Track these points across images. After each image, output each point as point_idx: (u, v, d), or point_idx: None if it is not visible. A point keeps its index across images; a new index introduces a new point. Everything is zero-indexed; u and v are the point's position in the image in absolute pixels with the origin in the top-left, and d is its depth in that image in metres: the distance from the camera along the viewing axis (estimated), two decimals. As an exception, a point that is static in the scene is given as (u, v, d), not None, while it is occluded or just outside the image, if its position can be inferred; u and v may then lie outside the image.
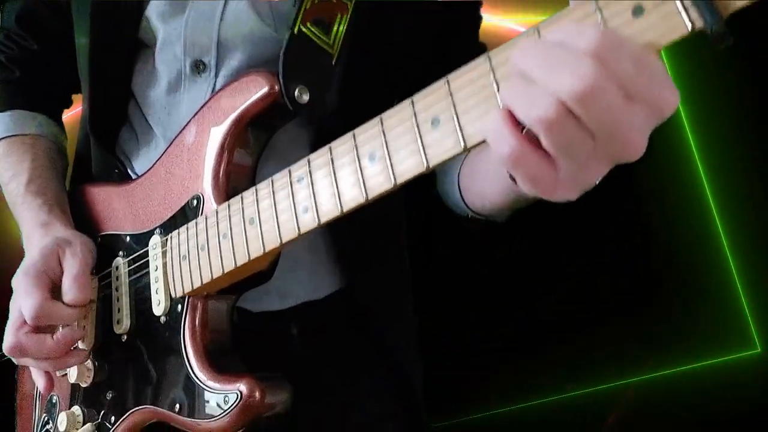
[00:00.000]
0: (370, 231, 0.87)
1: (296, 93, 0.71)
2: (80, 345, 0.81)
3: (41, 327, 0.76)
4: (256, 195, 0.65)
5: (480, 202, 0.75)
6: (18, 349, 0.75)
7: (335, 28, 0.77)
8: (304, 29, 0.74)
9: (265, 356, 0.86)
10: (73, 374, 0.82)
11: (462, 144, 0.49)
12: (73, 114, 1.07)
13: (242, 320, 0.84)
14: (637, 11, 0.41)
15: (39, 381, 0.80)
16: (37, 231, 0.83)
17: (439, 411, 2.27)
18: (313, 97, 0.72)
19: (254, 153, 0.74)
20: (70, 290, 0.76)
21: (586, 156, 0.43)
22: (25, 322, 0.75)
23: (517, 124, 0.44)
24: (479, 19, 0.95)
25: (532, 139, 0.44)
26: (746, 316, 2.65)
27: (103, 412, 0.79)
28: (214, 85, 0.82)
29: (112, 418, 0.78)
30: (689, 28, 0.39)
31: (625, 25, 0.42)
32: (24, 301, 0.74)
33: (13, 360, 0.79)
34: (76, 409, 0.83)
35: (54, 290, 0.77)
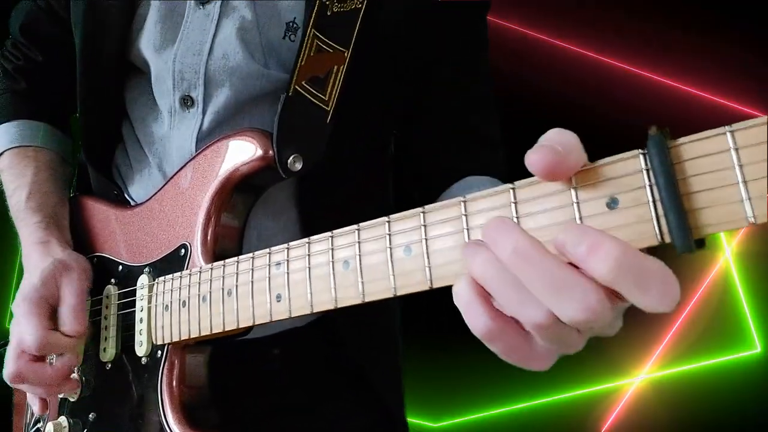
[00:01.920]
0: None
1: (290, 161, 0.70)
2: (74, 375, 0.84)
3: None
4: (237, 267, 0.66)
5: None
6: (18, 377, 0.78)
7: (331, 82, 0.75)
8: (299, 89, 0.73)
9: (245, 376, 0.89)
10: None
11: (429, 283, 0.49)
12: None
13: (224, 347, 0.86)
14: (612, 203, 0.40)
15: (35, 404, 0.84)
16: (35, 249, 0.85)
17: (438, 411, 2.32)
18: (305, 164, 0.71)
19: (242, 213, 0.74)
20: (68, 321, 0.78)
21: (571, 344, 0.42)
22: (24, 351, 0.78)
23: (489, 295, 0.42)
24: (486, 43, 0.92)
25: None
26: (746, 317, 2.63)
27: (86, 430, 0.84)
28: (202, 121, 0.81)
29: (93, 439, 0.82)
30: (657, 240, 0.38)
31: (599, 216, 0.40)
32: (26, 330, 0.77)
33: (10, 384, 0.83)
34: (63, 420, 0.87)
35: (52, 317, 0.79)
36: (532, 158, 0.39)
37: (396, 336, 1.01)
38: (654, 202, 0.38)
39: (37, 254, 0.84)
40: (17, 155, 0.93)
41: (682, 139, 0.38)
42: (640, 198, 0.38)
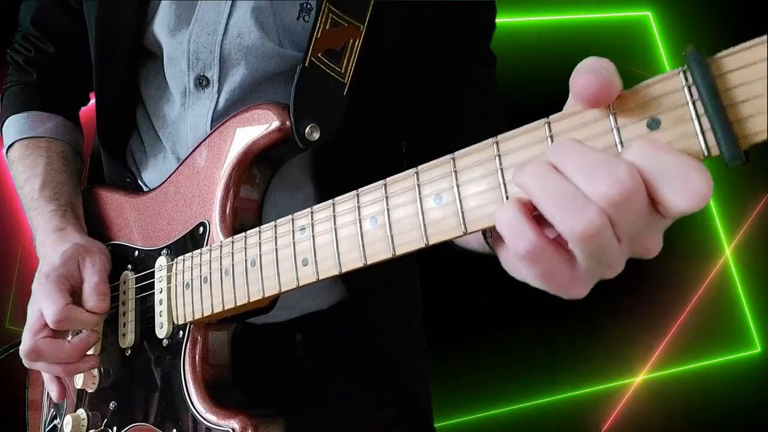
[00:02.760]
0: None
1: (307, 130, 0.70)
2: (89, 351, 0.83)
3: (59, 332, 0.78)
4: (259, 237, 0.65)
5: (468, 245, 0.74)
6: (35, 352, 0.76)
7: (347, 56, 0.75)
8: (315, 60, 0.73)
9: (269, 364, 0.88)
10: (79, 380, 0.84)
11: (463, 228, 0.48)
12: (87, 108, 1.07)
13: (246, 331, 0.85)
14: (653, 124, 0.39)
15: (52, 389, 0.82)
16: (52, 236, 0.84)
17: (439, 411, 2.30)
18: (323, 135, 0.71)
19: (261, 186, 0.73)
20: (91, 298, 0.77)
21: (612, 259, 0.41)
22: (43, 326, 0.77)
23: (533, 215, 0.41)
24: (492, 28, 0.92)
25: (549, 233, 0.41)
26: (746, 316, 2.63)
27: (106, 420, 0.82)
28: (217, 101, 0.81)
29: (114, 428, 0.80)
30: (704, 154, 0.37)
31: (641, 138, 0.40)
32: (46, 305, 0.76)
33: (25, 363, 0.82)
34: (81, 413, 0.85)
35: (73, 295, 0.78)
36: (581, 82, 0.38)
37: (419, 323, 1.00)
38: (698, 117, 0.37)
39: (55, 240, 0.83)
40: (28, 146, 0.93)
41: (721, 53, 0.37)
42: (683, 115, 0.38)
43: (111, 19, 0.85)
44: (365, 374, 0.92)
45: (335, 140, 0.74)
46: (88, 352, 0.82)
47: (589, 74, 0.38)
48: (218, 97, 0.81)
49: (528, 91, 2.13)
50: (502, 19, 2.39)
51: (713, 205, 2.56)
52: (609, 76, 0.38)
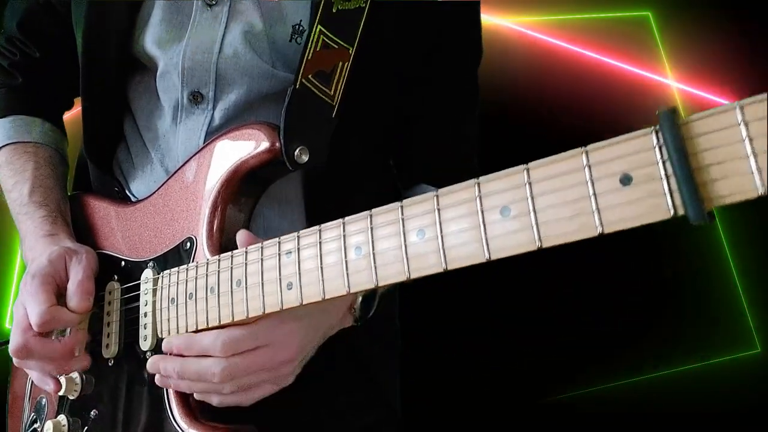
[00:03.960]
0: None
1: (296, 153, 0.71)
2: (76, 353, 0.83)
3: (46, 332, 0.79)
4: (246, 258, 0.66)
5: None
6: (25, 350, 0.76)
7: (336, 77, 0.77)
8: (305, 82, 0.74)
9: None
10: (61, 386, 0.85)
11: (444, 265, 0.50)
12: (73, 114, 1.07)
13: None
14: (625, 180, 0.41)
15: (47, 383, 0.82)
16: (42, 241, 0.85)
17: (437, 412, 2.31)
18: (312, 157, 0.72)
19: (248, 205, 0.75)
20: (74, 296, 0.77)
21: None
22: (30, 325, 0.77)
23: None
24: (479, 53, 0.95)
25: None
26: (746, 316, 2.66)
27: (86, 427, 0.83)
28: (211, 117, 0.82)
29: (95, 437, 0.81)
30: (671, 213, 0.39)
31: (612, 192, 0.42)
32: (31, 305, 0.76)
33: (15, 362, 0.82)
34: (62, 419, 0.86)
35: (59, 295, 0.79)
36: None
37: (396, 330, 1.01)
38: (667, 176, 0.39)
39: (45, 244, 0.83)
40: (15, 151, 0.93)
41: (692, 116, 0.39)
42: (653, 174, 0.40)
43: (99, 30, 0.85)
44: (339, 379, 0.93)
45: (326, 162, 0.76)
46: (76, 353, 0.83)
47: None
48: (213, 114, 0.82)
49: (528, 92, 2.15)
50: (501, 20, 2.42)
51: (712, 222, 2.57)
52: None
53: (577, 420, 2.42)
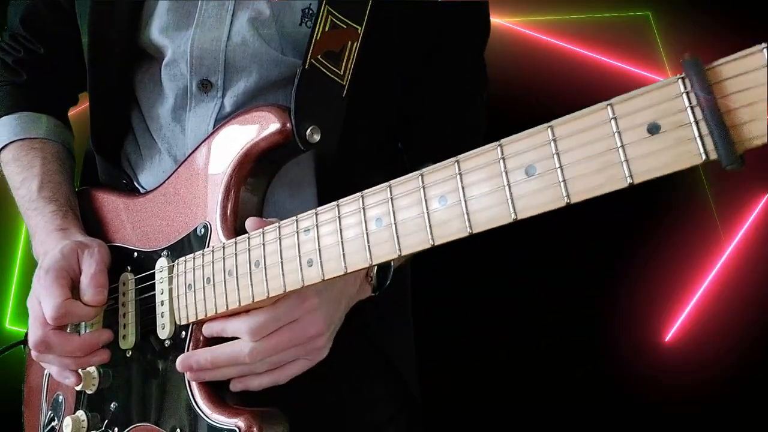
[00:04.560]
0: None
1: (308, 132, 0.71)
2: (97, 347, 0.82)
3: (62, 326, 0.78)
4: (263, 238, 0.66)
5: None
6: (45, 344, 0.76)
7: (345, 57, 0.76)
8: (315, 62, 0.74)
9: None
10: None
11: (469, 229, 0.49)
12: (80, 110, 1.06)
13: None
14: (653, 129, 0.41)
15: (68, 377, 0.81)
16: (54, 235, 0.84)
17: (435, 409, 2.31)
18: (324, 137, 0.72)
19: (261, 188, 0.74)
20: (88, 289, 0.77)
21: None
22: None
23: None
24: (487, 33, 0.94)
25: None
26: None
27: (106, 421, 0.82)
28: (221, 104, 0.82)
29: (116, 429, 0.80)
30: (702, 158, 0.39)
31: (640, 142, 0.41)
32: (45, 300, 0.76)
33: (34, 355, 0.81)
34: (81, 414, 0.85)
35: (73, 289, 0.78)
36: None
37: (409, 319, 1.01)
38: (696, 122, 0.39)
39: (57, 239, 0.83)
40: (22, 148, 0.92)
41: (718, 61, 0.39)
42: (682, 120, 0.40)
43: (104, 22, 0.85)
44: (359, 371, 0.93)
45: (337, 143, 0.75)
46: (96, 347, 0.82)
47: None
48: (223, 101, 0.81)
49: (527, 92, 2.15)
50: (500, 20, 2.41)
51: (713, 205, 2.59)
52: None
53: (576, 420, 2.43)
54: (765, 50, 0.37)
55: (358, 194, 0.58)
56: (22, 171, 0.90)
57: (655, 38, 2.63)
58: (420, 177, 0.53)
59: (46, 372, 0.92)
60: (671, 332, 2.54)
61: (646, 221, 2.29)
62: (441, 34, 0.88)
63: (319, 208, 0.61)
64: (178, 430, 0.72)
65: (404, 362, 0.96)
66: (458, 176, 0.50)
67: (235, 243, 0.69)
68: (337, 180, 0.82)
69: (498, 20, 2.37)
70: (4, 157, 0.94)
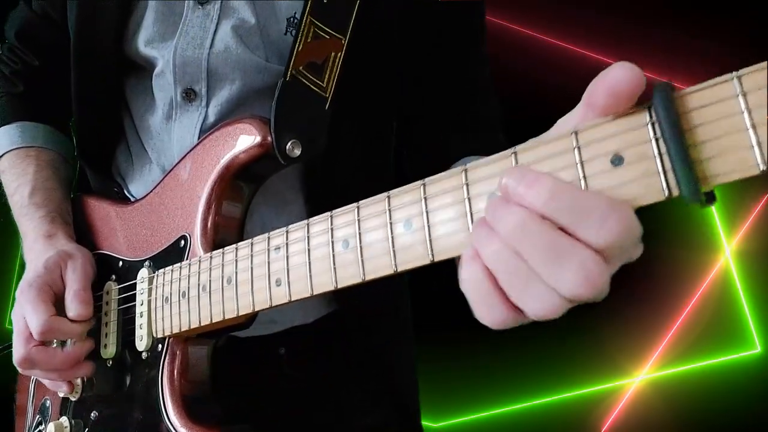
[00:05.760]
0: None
1: (288, 146, 0.69)
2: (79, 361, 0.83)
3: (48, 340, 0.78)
4: (236, 254, 0.65)
5: None
6: (29, 361, 0.77)
7: (329, 69, 0.75)
8: (296, 74, 0.72)
9: (252, 378, 0.87)
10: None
11: (430, 257, 0.47)
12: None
13: (229, 346, 0.85)
14: (616, 161, 0.38)
15: (60, 387, 0.82)
16: (40, 242, 0.85)
17: (438, 411, 2.29)
18: (305, 151, 0.70)
19: (243, 202, 0.73)
20: (72, 306, 0.77)
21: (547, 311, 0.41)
22: (32, 335, 0.77)
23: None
24: (483, 29, 0.91)
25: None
26: (746, 316, 2.61)
27: (87, 429, 0.82)
28: (206, 113, 0.81)
29: (95, 438, 0.80)
30: (665, 194, 0.36)
31: (603, 174, 0.39)
32: (30, 315, 0.76)
33: (20, 371, 0.82)
34: (65, 420, 0.85)
35: (57, 303, 0.79)
36: (621, 74, 0.37)
37: (409, 328, 0.99)
38: (660, 155, 0.36)
39: (42, 246, 0.83)
40: (18, 156, 0.93)
41: (688, 89, 0.36)
42: (646, 152, 0.37)
43: (89, 33, 0.85)
44: (351, 379, 0.91)
45: (324, 156, 0.74)
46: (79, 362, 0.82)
47: (629, 67, 0.37)
48: (207, 111, 0.81)
49: (527, 91, 2.12)
50: (498, 19, 2.38)
51: (713, 205, 2.55)
52: (640, 77, 0.37)
53: (577, 420, 2.40)
54: (735, 80, 0.34)
55: (328, 214, 0.56)
56: (17, 178, 0.91)
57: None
58: (387, 199, 0.51)
59: (33, 377, 0.93)
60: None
61: (644, 225, 2.26)
62: (432, 34, 0.86)
63: (290, 226, 0.60)
64: (151, 444, 0.71)
65: (399, 369, 0.94)
66: (423, 200, 0.48)
67: (210, 258, 0.68)
68: (325, 196, 0.80)
69: (497, 20, 2.34)
70: (1, 165, 0.95)
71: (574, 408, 2.40)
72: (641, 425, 2.46)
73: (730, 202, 2.54)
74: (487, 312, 0.42)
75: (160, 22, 0.81)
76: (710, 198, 0.36)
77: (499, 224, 0.40)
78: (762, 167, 0.33)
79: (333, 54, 0.74)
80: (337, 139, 0.76)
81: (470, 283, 0.42)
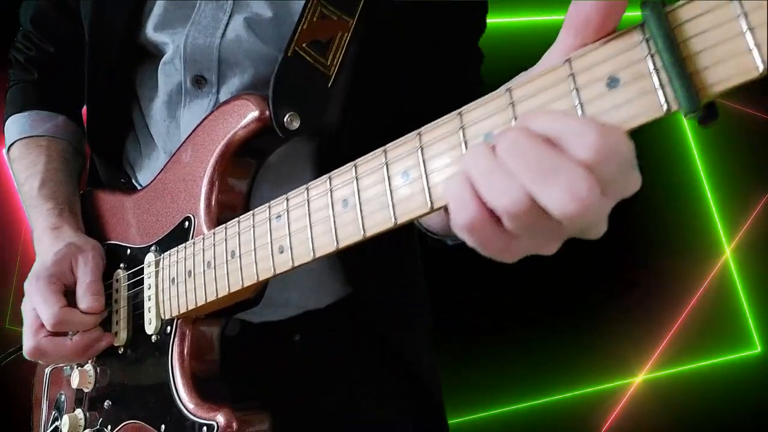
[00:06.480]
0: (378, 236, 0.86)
1: (286, 119, 0.69)
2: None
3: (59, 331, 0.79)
4: (239, 227, 0.64)
5: (427, 222, 0.73)
6: (38, 352, 0.78)
7: (334, 48, 0.74)
8: (299, 50, 0.72)
9: (267, 365, 0.87)
10: (75, 380, 0.85)
11: (429, 205, 0.46)
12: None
13: (242, 331, 0.84)
14: (612, 83, 0.37)
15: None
16: (48, 234, 0.85)
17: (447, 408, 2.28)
18: (304, 124, 0.70)
19: (246, 178, 0.73)
20: (84, 298, 0.78)
21: (548, 236, 0.40)
22: (42, 325, 0.78)
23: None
24: (483, 27, 0.91)
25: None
26: (746, 316, 2.58)
27: (101, 420, 0.82)
28: (216, 100, 0.81)
29: (108, 427, 0.80)
30: (664, 109, 0.35)
31: (600, 98, 0.38)
32: (41, 307, 0.77)
33: (30, 358, 0.82)
34: (79, 413, 0.85)
35: (67, 295, 0.79)
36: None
37: (426, 315, 0.98)
38: (657, 71, 0.35)
39: (50, 238, 0.84)
40: (28, 145, 0.94)
41: (679, 2, 0.35)
42: (641, 70, 0.36)
43: (104, 21, 0.85)
44: (368, 370, 0.90)
45: (335, 137, 0.73)
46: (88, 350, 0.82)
47: None
48: (218, 98, 0.81)
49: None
50: (498, 19, 2.37)
51: (713, 205, 2.52)
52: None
53: (577, 420, 2.38)
54: (728, -15, 0.33)
55: (326, 176, 0.56)
56: (27, 169, 0.92)
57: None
58: (384, 153, 0.51)
59: (47, 371, 0.93)
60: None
61: (645, 225, 2.25)
62: (439, 31, 0.85)
63: (290, 193, 0.59)
64: (163, 426, 0.71)
65: (417, 357, 0.93)
66: (419, 150, 0.48)
67: (213, 234, 0.68)
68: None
69: (498, 20, 2.34)
70: (11, 154, 0.96)
71: (574, 408, 2.38)
72: (641, 425, 2.45)
73: (730, 202, 2.52)
74: (489, 244, 0.41)
75: (172, 10, 0.81)
76: (711, 113, 0.35)
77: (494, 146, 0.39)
78: (761, 69, 0.32)
79: (339, 34, 0.74)
80: (348, 122, 0.76)
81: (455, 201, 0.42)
